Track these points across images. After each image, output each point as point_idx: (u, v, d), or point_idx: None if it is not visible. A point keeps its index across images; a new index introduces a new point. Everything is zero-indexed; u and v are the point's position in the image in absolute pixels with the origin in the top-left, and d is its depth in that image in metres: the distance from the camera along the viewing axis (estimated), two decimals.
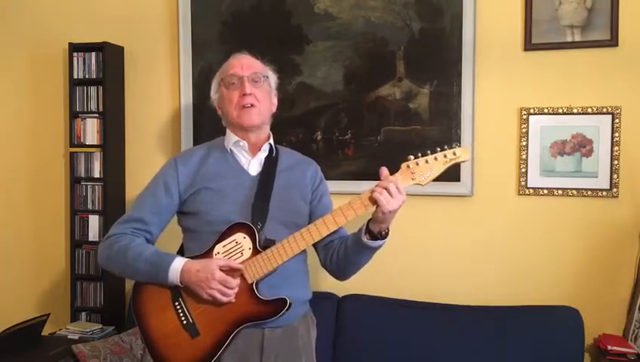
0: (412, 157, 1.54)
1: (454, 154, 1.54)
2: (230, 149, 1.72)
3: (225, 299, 1.54)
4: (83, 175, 2.71)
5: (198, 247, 1.63)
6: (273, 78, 1.78)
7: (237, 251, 1.58)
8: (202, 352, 1.57)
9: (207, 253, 1.60)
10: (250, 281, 1.56)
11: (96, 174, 2.69)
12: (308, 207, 1.74)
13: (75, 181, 2.71)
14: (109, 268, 1.69)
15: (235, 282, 1.54)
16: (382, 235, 1.57)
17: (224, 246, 1.59)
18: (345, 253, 1.65)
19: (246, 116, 1.66)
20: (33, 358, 2.30)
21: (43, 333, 2.52)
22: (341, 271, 1.73)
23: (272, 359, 1.61)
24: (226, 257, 1.58)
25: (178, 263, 1.57)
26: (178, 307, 1.60)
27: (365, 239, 1.56)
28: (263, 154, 1.72)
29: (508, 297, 2.30)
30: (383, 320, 2.30)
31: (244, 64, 1.70)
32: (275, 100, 1.78)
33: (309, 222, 1.70)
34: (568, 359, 2.11)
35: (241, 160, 1.71)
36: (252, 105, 1.66)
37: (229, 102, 1.68)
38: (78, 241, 2.72)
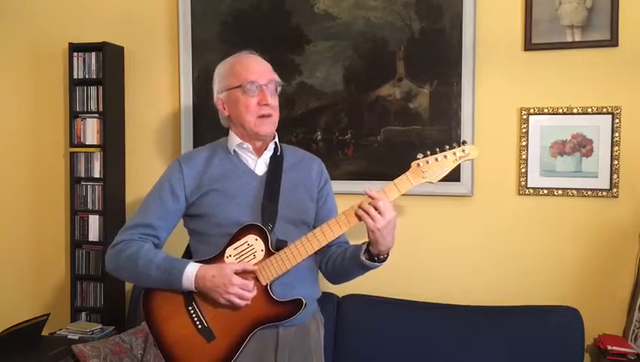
0: (421, 155, 1.54)
1: (464, 151, 1.55)
2: (234, 150, 1.70)
3: (242, 303, 1.52)
4: (83, 175, 2.71)
5: (207, 250, 1.61)
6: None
7: (249, 253, 1.57)
8: (219, 356, 1.56)
9: (219, 256, 1.58)
10: (264, 283, 1.55)
11: (96, 174, 2.69)
12: (315, 206, 1.74)
13: (75, 181, 2.71)
14: (118, 275, 1.68)
15: (253, 285, 1.53)
16: (379, 259, 1.57)
17: (235, 248, 1.57)
18: (342, 264, 1.66)
19: (265, 127, 1.65)
20: (33, 358, 2.30)
21: (43, 333, 2.51)
22: (334, 278, 1.75)
23: (285, 357, 1.61)
24: (238, 260, 1.56)
25: (191, 269, 1.55)
26: (192, 311, 1.58)
27: (363, 258, 1.57)
28: (268, 153, 1.71)
29: (508, 297, 2.30)
30: (383, 320, 2.30)
31: (261, 71, 1.67)
32: None
33: (315, 222, 1.71)
34: (568, 359, 2.11)
35: (247, 160, 1.70)
36: (270, 115, 1.66)
37: (246, 108, 1.64)
38: (78, 241, 2.72)
